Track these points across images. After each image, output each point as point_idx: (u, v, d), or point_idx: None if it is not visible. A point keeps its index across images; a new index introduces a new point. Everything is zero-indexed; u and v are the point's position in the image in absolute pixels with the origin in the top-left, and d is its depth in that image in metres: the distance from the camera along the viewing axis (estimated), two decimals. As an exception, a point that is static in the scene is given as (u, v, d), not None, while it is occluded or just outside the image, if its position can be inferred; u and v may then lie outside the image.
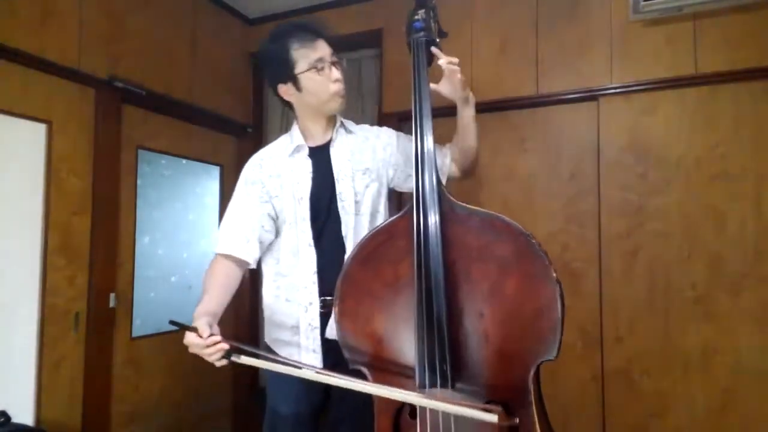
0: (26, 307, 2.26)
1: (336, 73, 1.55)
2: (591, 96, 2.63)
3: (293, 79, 1.54)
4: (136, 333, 2.77)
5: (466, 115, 1.62)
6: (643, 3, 2.38)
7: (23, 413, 2.20)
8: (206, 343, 1.24)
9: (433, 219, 1.28)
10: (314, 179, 1.57)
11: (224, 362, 1.27)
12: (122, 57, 2.66)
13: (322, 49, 1.54)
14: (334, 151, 1.60)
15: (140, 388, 2.77)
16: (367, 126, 1.77)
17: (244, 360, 1.26)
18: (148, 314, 2.85)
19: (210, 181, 3.35)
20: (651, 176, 2.50)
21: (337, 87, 1.55)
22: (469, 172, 1.71)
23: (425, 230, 1.27)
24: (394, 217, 1.38)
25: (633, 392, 2.47)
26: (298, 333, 1.56)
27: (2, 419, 2.07)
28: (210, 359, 1.26)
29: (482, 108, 2.88)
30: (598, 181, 2.61)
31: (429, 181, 1.31)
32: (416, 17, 1.53)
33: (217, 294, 1.45)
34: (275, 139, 1.71)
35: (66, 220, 2.40)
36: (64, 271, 2.38)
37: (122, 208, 2.68)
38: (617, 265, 2.54)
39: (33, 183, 2.30)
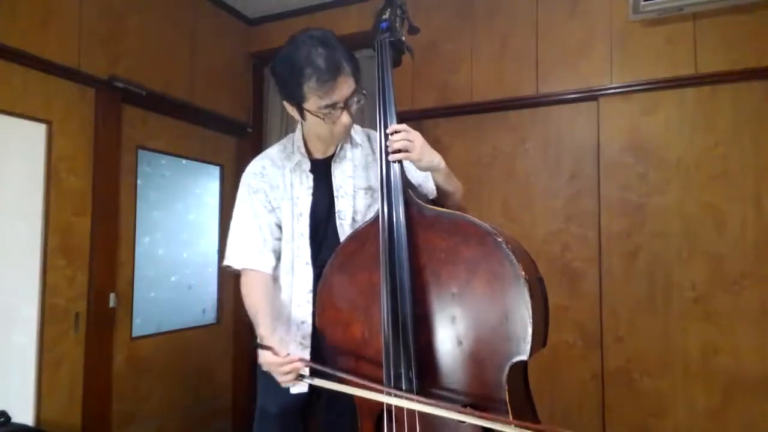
0: (26, 307, 2.26)
1: (345, 118, 1.39)
2: (591, 96, 2.63)
3: (299, 109, 1.41)
4: (136, 333, 2.77)
5: (435, 179, 1.47)
6: (643, 3, 2.38)
7: (23, 413, 2.20)
8: (282, 361, 1.26)
9: (401, 224, 1.26)
10: (315, 195, 1.51)
11: (299, 383, 1.29)
12: (122, 57, 2.66)
13: (340, 92, 1.34)
14: (335, 167, 1.53)
15: (140, 388, 2.77)
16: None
17: (318, 382, 1.26)
18: (148, 314, 2.85)
19: (210, 181, 3.35)
20: (651, 176, 2.50)
21: (340, 130, 1.42)
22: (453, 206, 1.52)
23: (391, 236, 1.25)
24: (366, 222, 1.37)
25: (633, 392, 2.47)
26: (286, 346, 1.52)
27: (2, 419, 2.07)
28: (284, 379, 1.27)
29: (482, 108, 2.93)
30: (598, 181, 2.61)
31: (395, 187, 1.29)
32: (383, 17, 1.48)
33: (269, 310, 1.44)
34: (275, 139, 1.67)
35: (66, 220, 2.40)
36: (64, 271, 2.38)
37: (122, 209, 2.68)
38: (617, 265, 2.54)
39: (33, 183, 2.30)
